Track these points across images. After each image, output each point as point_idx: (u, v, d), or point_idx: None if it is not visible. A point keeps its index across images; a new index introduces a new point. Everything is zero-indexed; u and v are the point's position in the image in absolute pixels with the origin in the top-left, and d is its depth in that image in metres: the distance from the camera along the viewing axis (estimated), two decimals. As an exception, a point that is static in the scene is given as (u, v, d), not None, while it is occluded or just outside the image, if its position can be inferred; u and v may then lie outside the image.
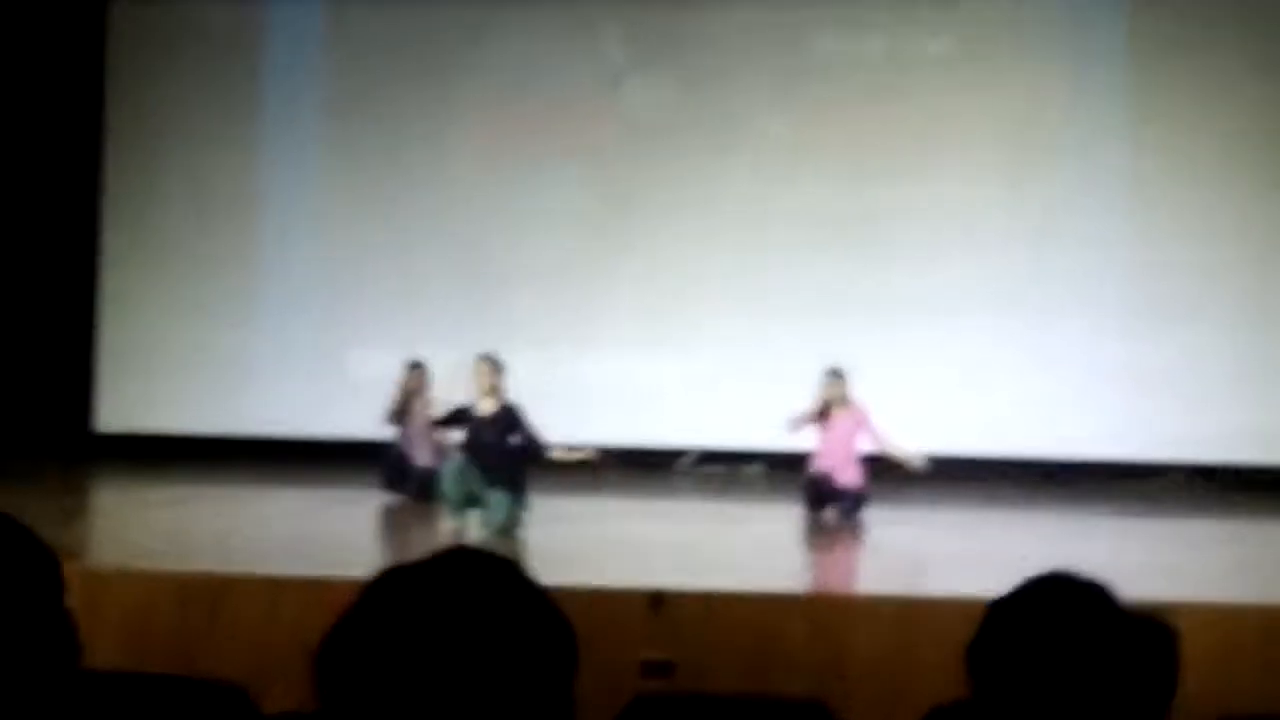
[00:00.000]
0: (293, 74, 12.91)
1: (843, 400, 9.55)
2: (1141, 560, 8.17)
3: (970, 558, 7.95)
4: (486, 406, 8.49)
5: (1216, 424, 11.57)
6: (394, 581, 1.61)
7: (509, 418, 8.45)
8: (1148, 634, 2.00)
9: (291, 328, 12.63)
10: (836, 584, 7.90)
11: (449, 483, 8.29)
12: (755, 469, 12.22)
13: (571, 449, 8.65)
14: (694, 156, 12.36)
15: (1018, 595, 2.04)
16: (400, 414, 9.99)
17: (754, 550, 8.14)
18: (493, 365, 8.54)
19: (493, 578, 1.62)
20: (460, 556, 1.64)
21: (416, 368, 10.13)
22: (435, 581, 1.60)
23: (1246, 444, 11.50)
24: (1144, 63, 12.01)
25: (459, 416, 8.65)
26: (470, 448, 8.56)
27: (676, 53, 12.51)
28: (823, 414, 9.54)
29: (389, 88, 12.73)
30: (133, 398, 12.74)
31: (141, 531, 8.45)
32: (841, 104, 12.27)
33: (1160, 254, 11.86)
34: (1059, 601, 2.03)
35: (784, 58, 12.35)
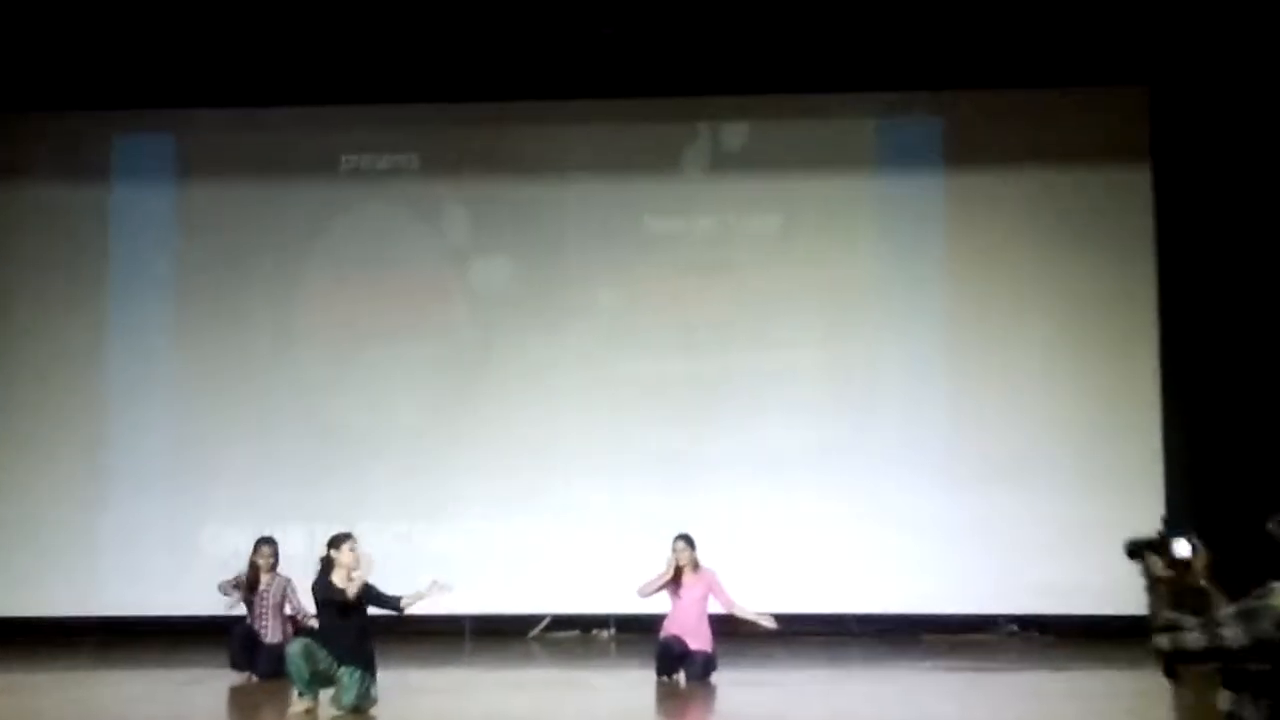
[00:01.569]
0: (141, 253, 12.99)
1: (693, 565, 9.77)
2: (985, 715, 8.44)
3: (819, 717, 8.12)
4: (346, 583, 8.45)
5: (1043, 577, 12.05)
6: None
7: (364, 592, 8.46)
8: None
9: (141, 506, 12.54)
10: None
11: (297, 662, 8.25)
12: (606, 633, 12.39)
13: (422, 593, 8.53)
14: (534, 328, 12.72)
15: None
16: (250, 590, 9.92)
17: (609, 719, 8.20)
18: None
19: None
20: None
21: (267, 543, 10.08)
22: None
23: (1074, 596, 11.96)
24: (959, 232, 12.70)
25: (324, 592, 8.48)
26: (321, 626, 8.55)
27: (516, 229, 12.89)
28: (674, 579, 9.73)
29: (238, 266, 12.89)
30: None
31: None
32: (672, 277, 12.79)
33: (978, 414, 12.45)
34: None
35: (617, 233, 12.84)
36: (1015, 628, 12.29)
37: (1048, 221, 12.59)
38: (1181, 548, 3.83)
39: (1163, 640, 3.69)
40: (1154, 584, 3.85)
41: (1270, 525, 3.82)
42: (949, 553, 12.18)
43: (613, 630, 12.39)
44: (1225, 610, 3.62)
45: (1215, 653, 3.58)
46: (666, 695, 9.27)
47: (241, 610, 9.94)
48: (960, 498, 12.24)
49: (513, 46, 12.46)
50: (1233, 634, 3.54)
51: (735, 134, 12.97)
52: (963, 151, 12.74)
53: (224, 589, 9.93)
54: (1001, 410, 12.42)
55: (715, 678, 9.52)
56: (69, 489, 12.63)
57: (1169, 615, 3.71)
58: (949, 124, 12.80)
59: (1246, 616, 3.55)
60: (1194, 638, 3.61)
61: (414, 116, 13.02)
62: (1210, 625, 3.59)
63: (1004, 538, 12.11)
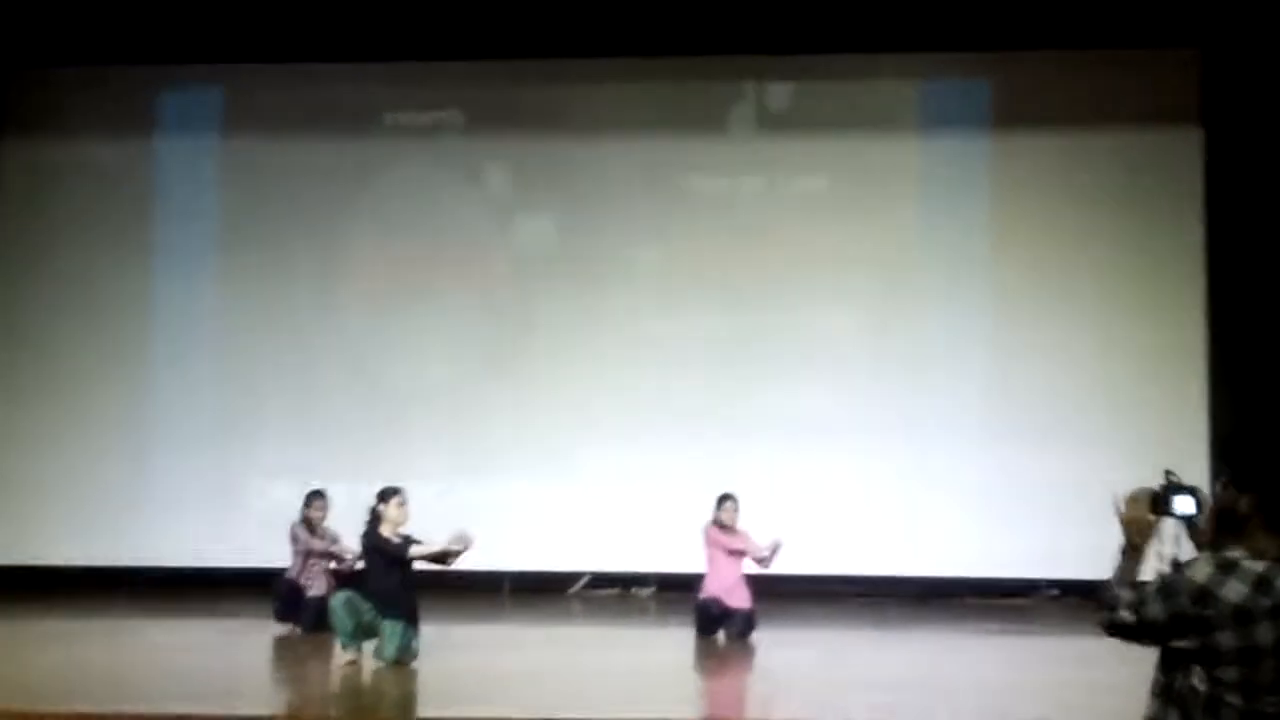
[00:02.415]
0: (185, 207, 13.07)
1: (733, 525, 9.80)
2: (1023, 678, 8.45)
3: (855, 680, 8.17)
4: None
5: (1084, 541, 11.93)
6: None
7: (366, 540, 8.49)
8: None
9: (186, 458, 12.68)
10: (726, 710, 8.05)
11: (340, 614, 8.34)
12: (646, 591, 12.45)
13: (435, 547, 8.48)
14: (577, 288, 12.73)
15: None
16: (340, 566, 9.93)
17: (647, 677, 8.28)
18: (404, 497, 8.55)
19: None
20: None
21: (319, 496, 10.14)
22: None
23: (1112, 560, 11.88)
24: (1004, 197, 12.62)
25: (444, 554, 8.47)
26: (365, 577, 8.63)
27: (558, 189, 12.91)
28: (724, 527, 9.78)
29: (281, 220, 12.95)
30: (22, 530, 12.65)
31: (29, 669, 8.38)
32: (715, 237, 12.75)
33: (1023, 378, 12.40)
34: None
35: (660, 194, 12.82)
36: (1057, 591, 12.24)
37: (1095, 184, 12.48)
38: (1184, 504, 3.55)
39: (1102, 615, 3.38)
40: (1130, 549, 3.47)
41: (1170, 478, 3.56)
42: (991, 516, 12.16)
43: (653, 589, 12.45)
44: (1149, 585, 3.34)
45: (1142, 628, 3.30)
46: (706, 653, 9.32)
47: (286, 562, 10.03)
48: (1004, 461, 12.20)
49: (559, 3, 12.42)
50: (1155, 610, 3.29)
51: (781, 94, 12.91)
52: (1009, 113, 12.63)
53: (302, 546, 9.95)
54: (1047, 373, 12.35)
55: (755, 637, 9.56)
56: (116, 442, 12.78)
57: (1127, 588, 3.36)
58: (996, 85, 12.69)
59: (1165, 591, 3.28)
60: (1126, 614, 3.33)
61: (459, 73, 13.02)
62: (1137, 600, 3.32)
63: (1047, 502, 12.05)
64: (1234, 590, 3.27)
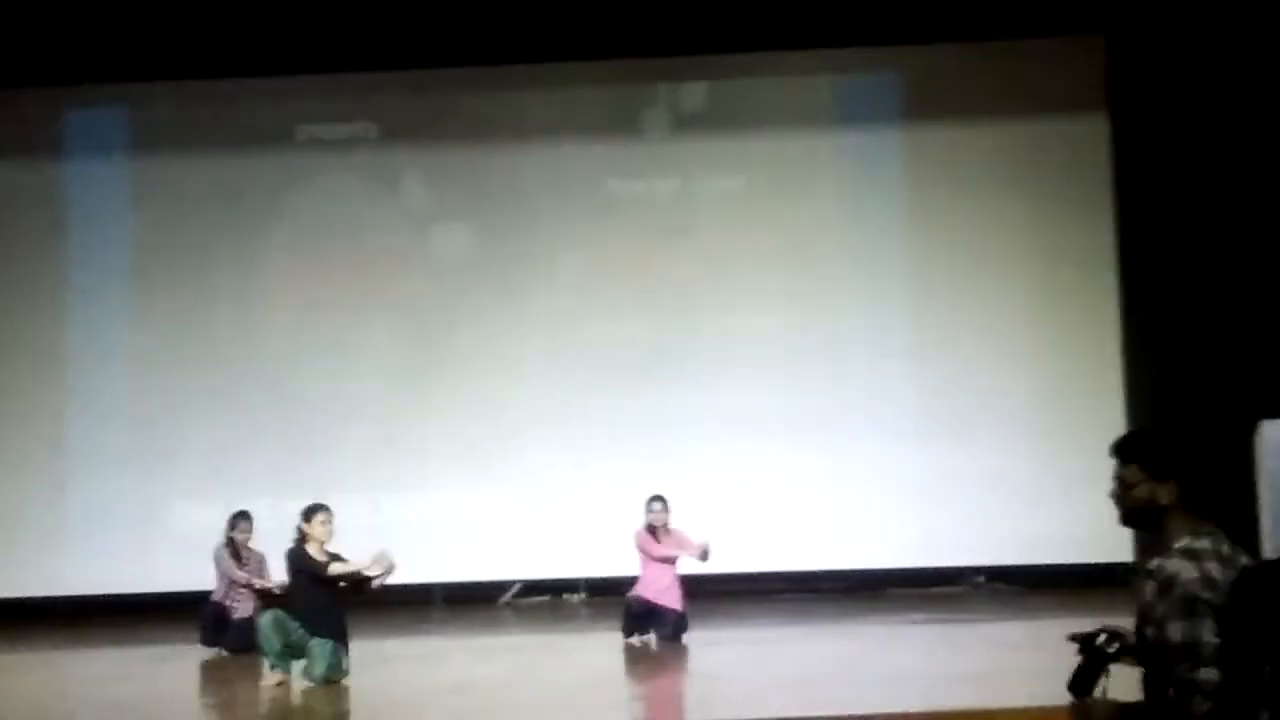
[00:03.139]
0: (97, 229, 12.89)
1: (665, 525, 9.79)
2: (956, 668, 8.51)
3: (788, 676, 8.19)
4: (320, 555, 8.41)
5: (1009, 528, 12.14)
6: None
7: (292, 556, 8.40)
8: None
9: (106, 483, 12.51)
10: (660, 714, 8.04)
11: (268, 634, 8.24)
12: (577, 597, 12.45)
13: (352, 566, 8.41)
14: (497, 295, 12.69)
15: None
16: (267, 590, 9.82)
17: (578, 684, 8.25)
18: (330, 514, 8.45)
19: None
20: None
21: (244, 518, 10.06)
22: None
23: (1042, 547, 12.08)
24: (919, 190, 12.74)
25: (358, 576, 8.40)
26: (291, 597, 8.54)
27: (475, 196, 12.86)
28: (652, 537, 9.76)
29: (196, 238, 12.81)
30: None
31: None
32: (634, 240, 12.78)
33: (944, 370, 12.52)
34: None
35: (578, 198, 12.81)
36: (984, 579, 12.40)
37: (1007, 174, 12.63)
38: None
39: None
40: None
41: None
42: (917, 508, 12.26)
43: (583, 594, 12.44)
44: (1188, 631, 3.07)
45: (1235, 653, 2.98)
46: (638, 657, 9.31)
47: (210, 585, 9.92)
48: (927, 453, 12.31)
49: (468, 10, 12.37)
50: (1209, 634, 3.03)
51: (694, 94, 12.94)
52: (920, 106, 12.75)
53: (225, 570, 9.84)
54: (966, 365, 12.48)
55: (686, 638, 9.56)
56: (33, 469, 12.58)
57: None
58: (906, 79, 12.80)
59: (1189, 612, 3.02)
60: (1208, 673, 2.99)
61: (370, 84, 12.92)
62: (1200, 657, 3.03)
63: (971, 491, 12.19)
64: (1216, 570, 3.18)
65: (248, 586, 9.80)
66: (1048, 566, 12.08)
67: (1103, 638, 3.43)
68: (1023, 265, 12.57)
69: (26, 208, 12.90)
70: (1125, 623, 3.56)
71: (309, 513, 8.46)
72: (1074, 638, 3.44)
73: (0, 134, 12.93)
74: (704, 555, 9.62)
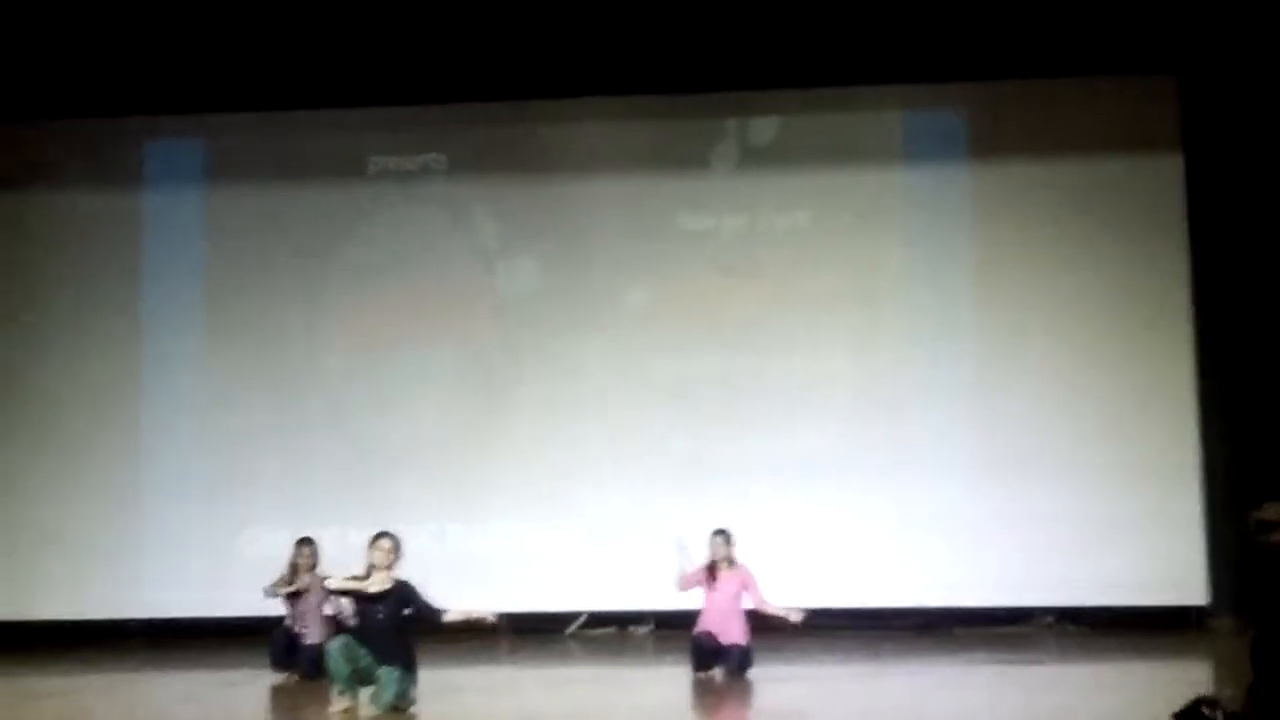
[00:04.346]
0: (172, 258, 13.09)
1: (728, 560, 9.78)
2: (1025, 709, 8.43)
3: (854, 714, 8.15)
4: (379, 583, 8.51)
5: (1080, 570, 12.03)
6: None
7: (402, 593, 8.49)
8: None
9: (179, 510, 12.67)
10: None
11: (336, 659, 8.28)
12: (643, 629, 12.45)
13: (468, 614, 8.61)
14: (564, 330, 12.75)
15: None
16: (290, 591, 9.98)
17: (645, 717, 8.23)
18: (394, 542, 8.57)
19: None
20: None
21: (306, 544, 10.13)
22: None
23: (1111, 589, 11.95)
24: (987, 227, 12.67)
25: (353, 591, 8.61)
26: (362, 624, 8.60)
27: (542, 230, 12.94)
28: (709, 573, 9.76)
29: (268, 271, 12.98)
30: (18, 584, 12.62)
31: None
32: (701, 275, 12.81)
33: (1011, 409, 12.42)
34: None
35: (645, 233, 12.86)
36: (1052, 620, 12.27)
37: (1078, 213, 12.55)
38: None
39: None
40: None
41: None
42: (984, 548, 12.16)
43: (650, 627, 12.44)
44: None
45: None
46: (703, 691, 9.29)
47: (283, 610, 10.02)
48: (994, 494, 12.22)
49: (539, 44, 12.52)
50: None
51: (763, 130, 12.97)
52: (990, 143, 12.71)
53: (269, 592, 10.00)
54: (1034, 405, 12.38)
55: (751, 673, 9.54)
56: (109, 495, 12.76)
57: None
58: (976, 115, 12.77)
59: None
60: None
61: (441, 117, 13.08)
62: None
63: (1039, 533, 12.08)
64: None
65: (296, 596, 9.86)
66: (1118, 609, 11.95)
67: (1205, 711, 3.38)
68: (1093, 305, 12.47)
69: (104, 236, 13.12)
70: (1198, 671, 3.52)
71: (372, 540, 8.54)
72: (1177, 716, 3.37)
73: (80, 164, 13.18)
74: (786, 616, 9.61)
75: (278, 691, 9.53)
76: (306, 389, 12.87)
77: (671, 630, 11.29)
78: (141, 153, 13.28)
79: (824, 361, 12.60)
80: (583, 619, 12.63)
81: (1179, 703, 3.44)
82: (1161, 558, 12.01)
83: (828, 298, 12.64)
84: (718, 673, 9.53)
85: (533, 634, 12.11)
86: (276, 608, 10.07)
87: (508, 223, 13.06)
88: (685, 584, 9.79)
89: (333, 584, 8.62)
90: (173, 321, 13.00)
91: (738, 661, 9.55)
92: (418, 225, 13.01)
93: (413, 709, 8.28)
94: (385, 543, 8.50)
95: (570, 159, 12.98)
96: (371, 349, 12.87)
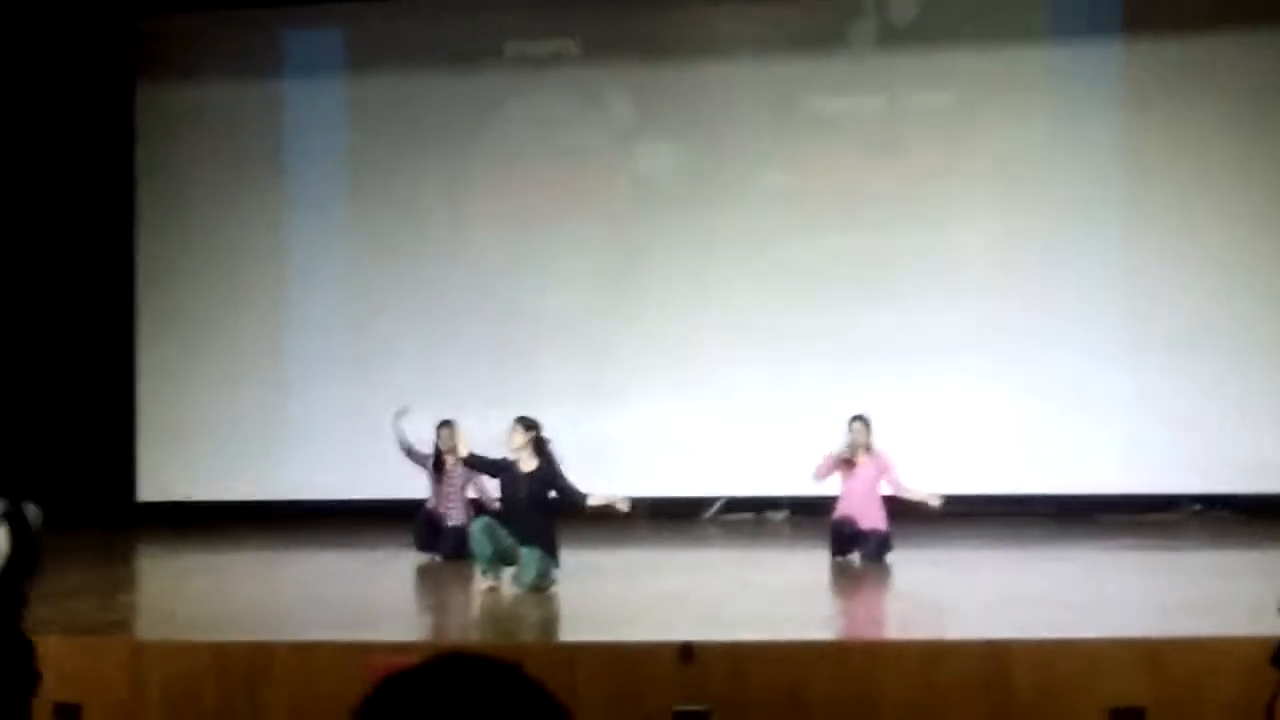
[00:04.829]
0: (314, 146, 13.22)
1: (867, 446, 9.69)
2: (1170, 595, 8.28)
3: (993, 599, 8.08)
4: (524, 465, 8.61)
5: (1231, 453, 11.72)
6: (392, 694, 1.65)
7: (545, 475, 8.58)
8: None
9: (323, 394, 12.92)
10: (863, 630, 8.02)
11: (479, 541, 8.41)
12: (780, 515, 12.44)
13: (609, 499, 8.70)
14: (700, 212, 12.64)
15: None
16: (436, 471, 10.12)
17: (781, 598, 8.27)
18: (528, 425, 8.66)
19: (491, 686, 1.65)
20: (458, 664, 1.67)
21: (447, 426, 10.23)
22: (433, 694, 1.64)
23: (1263, 473, 11.62)
24: (1137, 103, 12.24)
25: (497, 467, 8.74)
26: (506, 505, 8.73)
27: (679, 113, 12.77)
28: (848, 459, 9.68)
29: (407, 155, 13.03)
30: (172, 468, 13.07)
31: (183, 602, 8.64)
32: (838, 156, 12.57)
33: (1159, 286, 12.08)
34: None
35: (781, 115, 12.63)
36: (1200, 506, 11.97)
37: (1232, 86, 12.03)
38: None
39: None
40: None
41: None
42: (1130, 431, 11.91)
43: (787, 512, 12.42)
44: None
45: None
46: (841, 574, 9.28)
47: (426, 493, 10.18)
48: (1141, 374, 11.93)
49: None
50: None
51: (902, 6, 12.61)
52: (1142, 14, 12.21)
53: (406, 446, 10.15)
54: (1183, 283, 12.01)
55: (890, 557, 9.48)
56: (254, 378, 13.05)
57: None
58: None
59: None
60: None
61: (574, 1, 12.94)
62: None
63: (1187, 415, 11.78)
64: None
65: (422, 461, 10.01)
66: (1270, 495, 11.62)
67: None
68: (1245, 179, 11.99)
69: (246, 127, 13.28)
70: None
71: (528, 425, 8.62)
72: None
73: (219, 54, 13.32)
74: (920, 498, 9.52)
75: (422, 571, 9.73)
76: (448, 271, 12.96)
77: (807, 516, 11.26)
78: (280, 41, 13.38)
79: (965, 240, 12.34)
80: (720, 504, 12.65)
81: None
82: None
83: (970, 176, 12.35)
84: (856, 557, 9.50)
85: (670, 518, 12.17)
86: (420, 490, 10.24)
87: (641, 106, 12.93)
88: (823, 471, 9.71)
89: (594, 503, 8.69)
90: (315, 209, 13.17)
91: (876, 547, 9.49)
92: (554, 109, 12.96)
93: (553, 589, 8.39)
94: (519, 426, 8.59)
95: (703, 41, 12.79)
96: (511, 230, 12.90)
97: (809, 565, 9.61)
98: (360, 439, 12.53)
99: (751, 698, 6.40)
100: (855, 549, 9.53)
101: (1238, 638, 6.36)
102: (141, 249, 13.32)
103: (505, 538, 8.42)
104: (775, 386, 12.36)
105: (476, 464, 8.99)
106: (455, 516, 9.97)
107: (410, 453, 10.21)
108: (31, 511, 5.41)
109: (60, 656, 6.15)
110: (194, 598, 8.76)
